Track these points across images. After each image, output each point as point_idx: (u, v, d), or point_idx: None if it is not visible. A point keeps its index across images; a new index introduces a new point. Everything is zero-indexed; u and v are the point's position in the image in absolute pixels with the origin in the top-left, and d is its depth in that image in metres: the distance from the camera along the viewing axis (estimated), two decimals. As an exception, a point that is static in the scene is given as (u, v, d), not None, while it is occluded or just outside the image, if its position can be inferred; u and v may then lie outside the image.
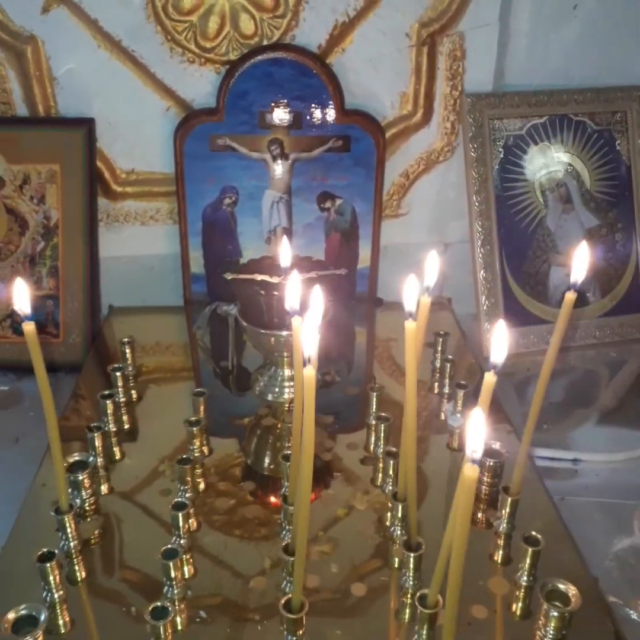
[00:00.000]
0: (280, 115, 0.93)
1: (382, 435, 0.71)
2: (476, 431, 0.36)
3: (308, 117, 0.94)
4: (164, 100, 0.93)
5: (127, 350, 0.84)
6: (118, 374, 0.79)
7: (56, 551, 0.54)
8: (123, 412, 0.79)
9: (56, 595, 0.54)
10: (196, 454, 0.70)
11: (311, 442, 0.46)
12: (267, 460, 0.73)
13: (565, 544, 0.60)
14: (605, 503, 0.70)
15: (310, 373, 0.44)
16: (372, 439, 0.73)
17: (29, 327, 0.51)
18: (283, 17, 0.90)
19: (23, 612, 0.50)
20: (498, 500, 0.61)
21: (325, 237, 1.00)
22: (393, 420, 0.71)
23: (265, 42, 0.91)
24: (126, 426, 0.78)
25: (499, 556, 0.60)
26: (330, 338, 0.96)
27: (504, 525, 0.61)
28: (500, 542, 0.61)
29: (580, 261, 0.54)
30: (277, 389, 0.80)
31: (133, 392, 0.82)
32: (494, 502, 0.64)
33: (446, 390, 0.82)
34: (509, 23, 0.94)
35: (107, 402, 0.74)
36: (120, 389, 0.79)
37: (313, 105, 0.93)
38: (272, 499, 0.67)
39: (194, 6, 0.88)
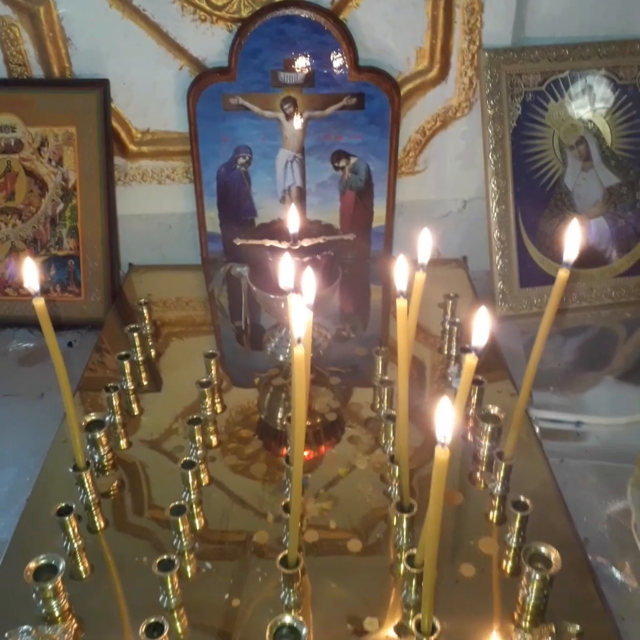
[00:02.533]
0: (293, 73, 0.92)
1: (385, 397, 0.73)
2: (445, 418, 0.38)
3: (321, 75, 0.93)
4: (177, 60, 0.93)
5: (145, 311, 0.87)
6: (135, 334, 0.82)
7: (73, 505, 0.59)
8: (141, 370, 0.82)
9: (75, 545, 0.59)
10: (208, 413, 0.73)
11: (303, 413, 0.48)
12: (278, 416, 0.77)
13: (557, 507, 0.63)
14: (603, 466, 0.72)
15: (299, 352, 0.46)
16: (377, 400, 0.75)
17: (38, 302, 0.54)
18: (295, -28, 0.88)
19: (43, 561, 0.54)
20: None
21: (340, 196, 1.00)
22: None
23: (277, -2, 0.89)
24: (144, 383, 0.81)
25: (493, 517, 0.63)
26: (346, 295, 0.99)
27: (498, 487, 0.63)
28: (495, 503, 0.64)
29: (573, 239, 0.54)
30: (287, 350, 0.82)
31: (151, 350, 0.86)
32: (491, 464, 0.67)
33: (453, 351, 0.83)
34: (530, -28, 0.91)
35: (125, 362, 0.77)
36: (137, 348, 0.83)
37: (326, 62, 0.92)
38: (280, 456, 0.70)
39: (205, -38, 0.87)
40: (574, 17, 0.93)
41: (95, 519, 0.63)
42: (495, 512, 0.63)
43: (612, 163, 0.97)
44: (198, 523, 0.62)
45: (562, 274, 0.55)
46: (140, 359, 0.83)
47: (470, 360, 0.44)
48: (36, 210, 0.94)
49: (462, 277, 1.01)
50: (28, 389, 0.85)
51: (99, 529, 0.63)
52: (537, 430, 0.74)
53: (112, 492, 0.66)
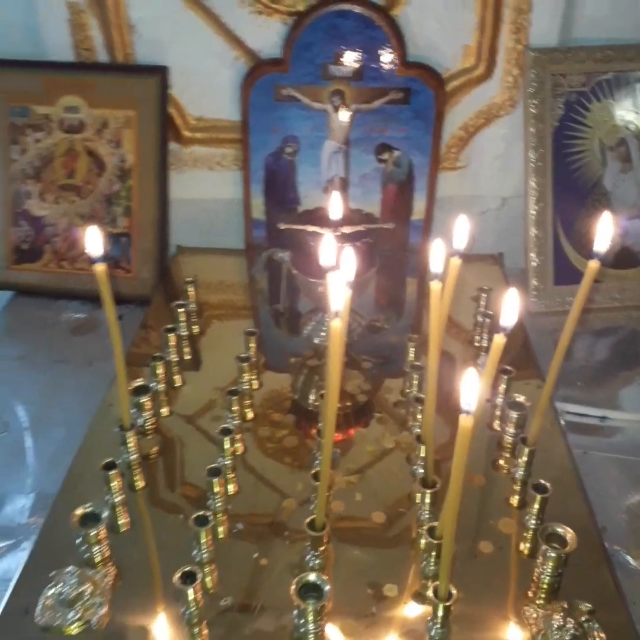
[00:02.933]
0: (343, 66, 0.96)
1: (414, 383, 0.76)
2: (470, 387, 0.41)
3: (370, 69, 0.96)
4: (233, 50, 0.97)
5: (190, 289, 0.92)
6: (181, 310, 0.87)
7: (117, 461, 0.63)
8: (185, 344, 0.87)
9: (117, 499, 0.63)
10: (245, 387, 0.77)
11: (337, 383, 0.52)
12: (311, 397, 0.80)
13: (577, 495, 0.65)
14: (626, 460, 0.74)
15: (336, 325, 0.49)
16: (407, 385, 0.78)
17: (100, 268, 0.58)
18: (350, -31, 0.91)
19: (88, 510, 0.59)
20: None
21: (382, 188, 1.03)
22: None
23: (331, -6, 0.92)
24: (187, 357, 0.86)
25: (514, 501, 0.66)
26: (382, 286, 1.02)
27: (520, 472, 0.66)
28: (517, 487, 0.66)
29: (604, 231, 0.56)
30: (322, 334, 0.86)
31: (194, 327, 0.90)
32: (515, 452, 0.69)
33: (484, 343, 0.86)
34: (580, -26, 0.92)
35: (170, 335, 0.82)
36: (182, 324, 0.87)
37: (375, 57, 0.95)
38: (311, 435, 0.74)
39: (264, -43, 0.91)
40: (620, 19, 0.94)
41: (136, 478, 0.67)
42: (517, 497, 0.65)
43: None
44: (232, 488, 0.66)
45: (592, 265, 0.57)
46: (184, 333, 0.87)
47: (499, 340, 0.47)
48: (94, 188, 0.99)
49: (497, 273, 1.03)
50: (78, 356, 0.91)
51: (138, 488, 0.67)
52: (563, 422, 0.76)
53: (152, 455, 0.71)
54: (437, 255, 0.56)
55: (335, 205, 0.76)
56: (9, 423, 0.80)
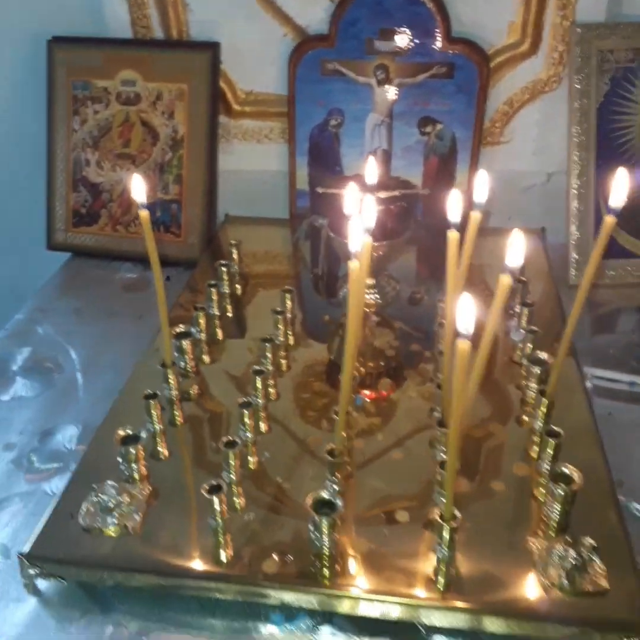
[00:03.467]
0: (388, 41, 0.99)
1: (441, 339, 0.79)
2: (466, 312, 0.44)
3: (414, 44, 0.99)
4: (282, 27, 1.02)
5: (234, 251, 0.97)
6: (224, 269, 0.92)
7: (159, 393, 0.68)
8: (227, 302, 0.92)
9: (157, 427, 0.68)
10: (280, 339, 0.81)
11: (358, 315, 0.55)
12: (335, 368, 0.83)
13: (594, 449, 0.66)
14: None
15: (355, 265, 0.53)
16: (435, 342, 0.81)
17: (143, 213, 0.63)
18: (396, -55, 0.94)
19: (129, 431, 0.64)
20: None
21: (424, 160, 1.06)
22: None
23: (377, -30, 0.96)
24: (228, 314, 0.91)
25: (532, 451, 0.67)
26: (424, 258, 1.04)
27: (539, 423, 0.67)
28: (535, 438, 0.68)
29: (620, 186, 0.57)
30: (358, 294, 0.89)
31: (237, 286, 0.95)
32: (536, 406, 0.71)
33: (517, 309, 0.87)
34: (629, -53, 0.92)
35: (212, 289, 0.87)
36: (225, 282, 0.92)
37: (420, 32, 0.98)
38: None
39: None
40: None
41: (176, 414, 0.73)
42: (534, 446, 0.67)
43: None
44: (262, 425, 0.70)
45: (609, 220, 0.59)
46: (226, 291, 0.92)
47: (504, 280, 0.50)
48: (148, 157, 1.05)
49: (539, 248, 1.04)
50: (129, 311, 0.97)
51: (178, 423, 0.72)
52: (590, 385, 0.77)
53: (192, 394, 0.76)
54: (455, 206, 0.59)
55: (371, 169, 0.80)
56: (63, 365, 0.86)
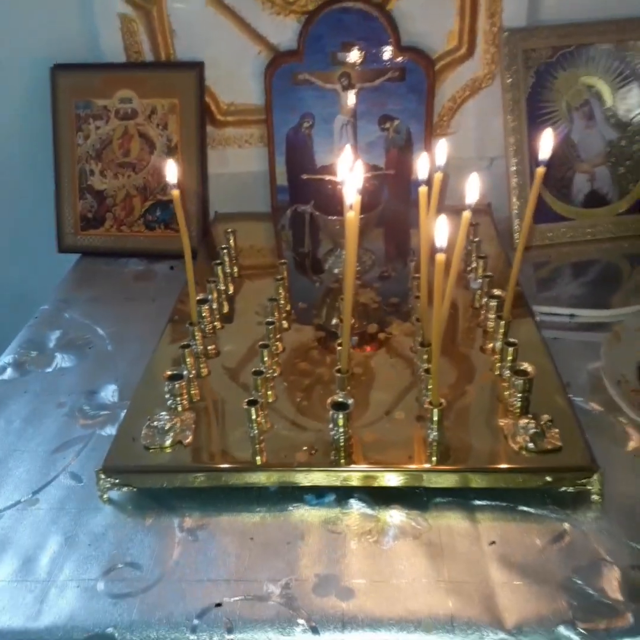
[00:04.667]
0: (348, 53, 1.16)
1: (415, 288, 0.95)
2: (441, 231, 0.60)
3: (371, 54, 1.16)
4: (257, 46, 1.18)
5: (231, 238, 1.12)
6: (225, 250, 1.07)
7: (191, 344, 0.83)
8: (229, 279, 1.06)
9: (191, 372, 0.83)
10: (281, 301, 0.96)
11: (353, 259, 0.71)
12: (333, 319, 0.99)
13: (544, 356, 0.83)
14: (588, 341, 0.92)
15: (352, 215, 0.69)
16: (409, 296, 0.98)
17: (175, 192, 0.78)
18: (350, -28, 1.12)
19: (174, 371, 0.79)
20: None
21: (385, 153, 1.23)
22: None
23: (335, -6, 1.13)
24: (230, 289, 1.05)
25: (495, 365, 0.83)
26: (390, 238, 1.21)
27: (498, 343, 0.84)
28: (496, 356, 0.84)
29: (546, 143, 0.75)
30: (341, 264, 1.05)
31: (235, 267, 1.09)
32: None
33: (474, 265, 1.04)
34: (540, -34, 1.12)
35: (218, 268, 1.02)
36: (226, 262, 1.06)
37: (375, 44, 1.16)
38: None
39: (280, -33, 1.12)
40: (576, 2, 1.14)
41: (202, 366, 0.87)
42: (496, 361, 0.83)
43: (612, 121, 1.17)
44: (276, 370, 0.85)
45: (540, 170, 0.76)
46: (228, 271, 1.07)
47: (466, 215, 0.66)
48: (146, 164, 1.20)
49: (487, 220, 1.22)
50: (142, 296, 1.11)
51: (203, 375, 0.86)
52: (538, 319, 0.95)
53: (212, 350, 0.90)
54: (423, 166, 0.76)
55: (346, 157, 0.96)
56: (93, 340, 1.00)
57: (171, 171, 0.79)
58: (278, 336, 0.90)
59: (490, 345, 0.87)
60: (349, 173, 0.74)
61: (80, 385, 0.91)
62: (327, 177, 1.02)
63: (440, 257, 0.61)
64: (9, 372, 0.93)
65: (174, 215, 1.18)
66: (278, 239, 1.23)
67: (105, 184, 1.22)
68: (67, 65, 1.20)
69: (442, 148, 0.80)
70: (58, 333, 1.02)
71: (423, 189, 0.75)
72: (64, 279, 1.18)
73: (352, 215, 0.71)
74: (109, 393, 0.89)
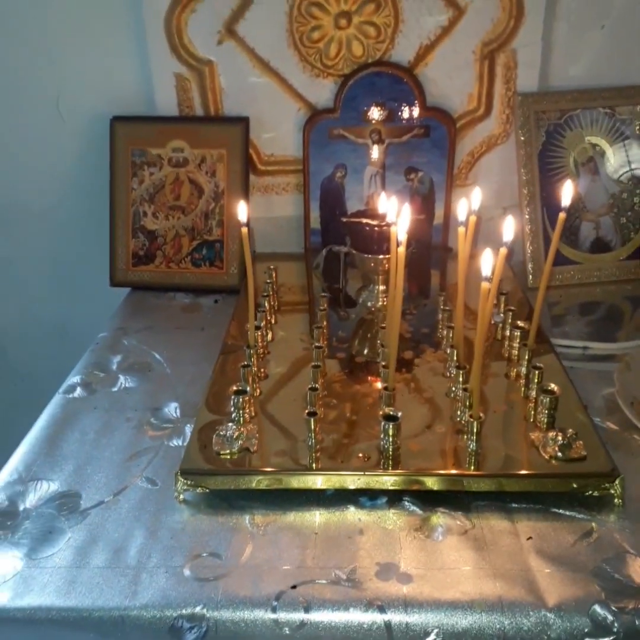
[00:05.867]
0: (379, 112, 1.30)
1: (445, 318, 1.06)
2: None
3: (399, 113, 1.30)
4: (297, 104, 1.32)
5: (273, 274, 1.23)
6: (269, 282, 1.18)
7: (249, 364, 0.93)
8: (273, 309, 1.17)
9: (249, 389, 0.92)
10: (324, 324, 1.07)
11: (400, 284, 0.82)
12: (366, 348, 1.09)
13: (565, 379, 0.94)
14: (601, 370, 1.02)
15: (401, 251, 0.80)
16: (441, 319, 1.09)
17: (244, 230, 0.90)
18: (383, 42, 1.26)
19: (239, 387, 0.88)
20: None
21: (410, 201, 1.35)
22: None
23: (370, 60, 1.28)
24: (274, 319, 1.16)
25: (521, 387, 0.94)
26: (413, 278, 1.33)
27: (523, 368, 0.94)
28: (522, 381, 0.95)
29: (567, 192, 0.87)
30: (374, 298, 1.17)
31: (276, 300, 1.20)
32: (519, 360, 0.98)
33: (496, 301, 1.16)
34: (550, 41, 1.27)
35: (265, 300, 1.13)
36: (270, 293, 1.17)
37: (403, 104, 1.29)
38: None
39: (321, 37, 1.26)
40: (584, 70, 1.29)
41: (255, 385, 0.97)
42: (522, 385, 0.94)
43: (615, 176, 1.31)
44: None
45: (562, 216, 0.88)
46: (272, 303, 1.18)
47: (502, 251, 0.77)
48: (195, 207, 1.32)
49: (504, 264, 1.34)
50: (191, 325, 1.21)
51: (256, 395, 0.96)
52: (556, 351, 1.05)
53: (263, 372, 1.00)
54: (462, 212, 0.88)
55: (383, 203, 1.08)
56: (152, 364, 1.09)
57: (242, 211, 0.91)
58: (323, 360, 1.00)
59: (514, 371, 0.98)
60: (397, 215, 0.85)
61: (145, 402, 1.00)
62: (365, 220, 1.13)
63: (485, 285, 0.72)
64: (78, 391, 1.03)
65: (217, 254, 1.30)
66: (310, 276, 1.34)
67: (157, 224, 1.33)
68: (125, 117, 1.33)
69: (476, 196, 0.92)
70: (119, 357, 1.11)
71: (462, 230, 0.87)
72: (117, 310, 1.28)
73: (401, 251, 0.82)
74: (172, 409, 0.98)
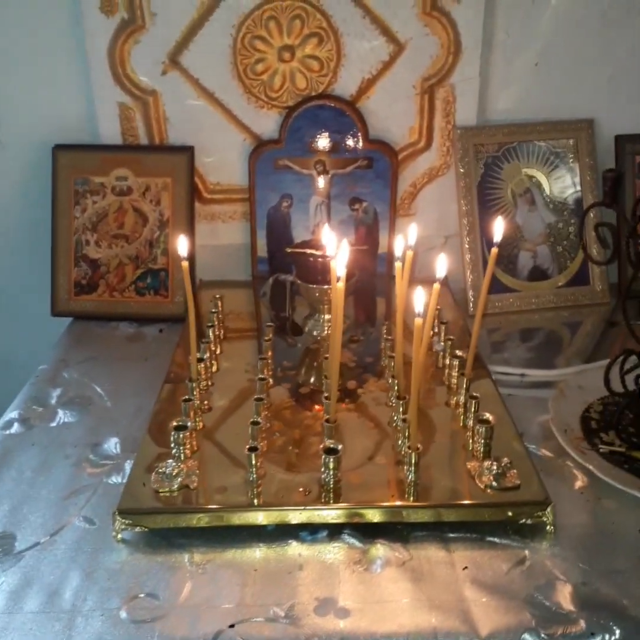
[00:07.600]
0: (323, 143, 1.32)
1: (388, 348, 1.08)
2: (419, 298, 0.73)
3: (343, 145, 1.33)
4: (242, 134, 1.33)
5: (218, 303, 1.23)
6: (214, 309, 1.18)
7: (191, 398, 0.93)
8: (218, 336, 1.17)
9: (191, 424, 0.92)
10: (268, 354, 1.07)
11: (340, 310, 0.83)
12: (312, 376, 1.10)
13: (501, 408, 0.96)
14: (537, 397, 1.06)
15: (340, 286, 0.81)
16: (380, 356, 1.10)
17: (185, 264, 0.90)
18: (326, 76, 1.29)
19: (179, 422, 0.88)
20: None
21: (355, 230, 1.38)
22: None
23: (313, 93, 1.30)
24: (218, 348, 1.16)
25: (459, 416, 0.96)
26: (359, 305, 1.34)
27: (462, 396, 0.97)
28: (460, 410, 0.97)
29: (498, 228, 0.90)
30: (319, 327, 1.18)
31: (222, 329, 1.20)
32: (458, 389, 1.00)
33: (436, 330, 1.18)
34: (487, 76, 1.32)
35: (209, 329, 1.13)
36: (215, 322, 1.17)
37: (346, 136, 1.32)
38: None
39: (264, 69, 1.28)
40: (519, 106, 1.34)
41: (198, 419, 0.96)
42: (460, 413, 0.96)
43: (551, 206, 1.36)
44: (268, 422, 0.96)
45: (494, 251, 0.91)
46: (217, 332, 1.17)
47: (436, 287, 0.80)
48: (139, 236, 1.31)
49: (445, 292, 1.37)
50: (135, 356, 1.20)
51: (199, 428, 0.96)
52: (494, 378, 1.08)
53: (206, 405, 1.00)
54: (399, 247, 0.90)
55: (326, 235, 1.10)
56: (92, 397, 1.08)
57: (182, 245, 0.91)
58: (266, 394, 1.00)
59: (454, 399, 1.00)
60: (336, 249, 0.86)
61: (84, 438, 0.98)
62: (309, 251, 1.15)
63: (418, 321, 0.74)
64: (16, 427, 1.01)
65: (162, 282, 1.30)
66: (257, 304, 1.35)
67: (100, 253, 1.32)
68: (68, 145, 1.32)
69: (413, 231, 0.94)
70: (59, 391, 1.09)
71: (399, 264, 0.89)
72: (59, 340, 1.26)
73: (340, 286, 0.83)
74: (112, 445, 0.97)
